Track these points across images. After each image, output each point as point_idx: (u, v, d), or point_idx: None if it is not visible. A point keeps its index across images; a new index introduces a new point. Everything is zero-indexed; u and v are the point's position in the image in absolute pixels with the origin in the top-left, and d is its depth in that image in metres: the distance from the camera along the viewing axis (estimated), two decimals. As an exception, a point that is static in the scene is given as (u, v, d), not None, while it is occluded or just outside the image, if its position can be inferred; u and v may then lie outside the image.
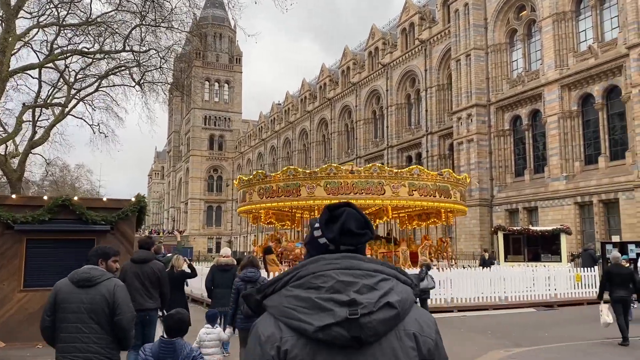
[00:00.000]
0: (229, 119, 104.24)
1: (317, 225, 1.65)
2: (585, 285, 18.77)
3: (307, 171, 21.49)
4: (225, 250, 10.63)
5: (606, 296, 11.39)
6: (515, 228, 24.03)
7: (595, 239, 29.73)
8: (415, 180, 19.75)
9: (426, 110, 48.48)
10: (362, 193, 19.54)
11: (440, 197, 20.21)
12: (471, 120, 39.32)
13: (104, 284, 4.29)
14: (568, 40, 33.47)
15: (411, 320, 1.49)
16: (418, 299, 12.61)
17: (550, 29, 33.93)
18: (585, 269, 19.17)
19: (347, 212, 1.62)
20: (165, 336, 4.88)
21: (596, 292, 13.79)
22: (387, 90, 54.90)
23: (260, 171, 23.36)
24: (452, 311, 16.46)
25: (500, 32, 38.82)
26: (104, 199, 11.78)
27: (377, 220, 25.55)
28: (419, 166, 22.09)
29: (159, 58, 39.02)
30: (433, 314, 10.09)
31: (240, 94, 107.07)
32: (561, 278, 18.77)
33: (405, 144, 51.67)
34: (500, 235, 23.26)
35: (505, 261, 22.86)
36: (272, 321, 1.48)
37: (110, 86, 41.84)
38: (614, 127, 31.21)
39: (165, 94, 39.10)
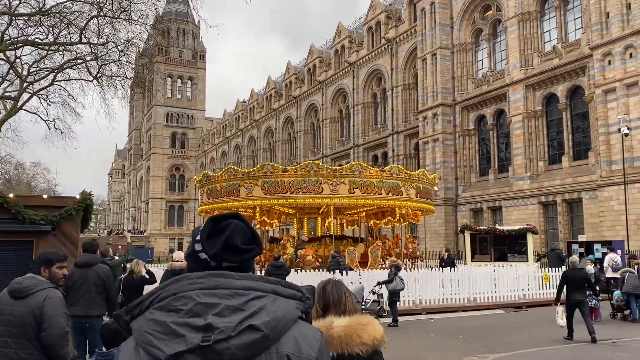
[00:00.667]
0: (192, 116, 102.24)
1: (198, 237, 1.52)
2: (553, 285, 18.56)
3: (245, 171, 20.92)
4: (178, 254, 9.78)
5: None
6: (482, 227, 23.83)
7: (559, 238, 29.92)
8: (357, 177, 19.28)
9: (392, 110, 48.24)
10: (299, 192, 19.20)
11: (388, 194, 19.71)
12: (437, 119, 39.21)
13: (34, 295, 4.00)
14: (533, 40, 33.65)
15: (289, 340, 1.38)
16: (388, 301, 11.98)
17: (515, 29, 34.04)
18: (553, 269, 18.99)
19: (234, 225, 1.50)
20: (103, 349, 4.31)
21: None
22: (353, 89, 54.50)
23: (204, 172, 22.82)
24: (420, 313, 15.96)
25: (466, 31, 38.83)
26: (44, 196, 10.73)
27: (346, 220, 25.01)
28: (361, 163, 21.59)
29: (118, 51, 37.62)
30: (400, 317, 9.41)
31: (204, 91, 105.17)
32: (529, 278, 18.54)
33: (371, 143, 51.35)
34: (467, 234, 22.98)
35: (472, 261, 22.58)
36: (132, 346, 1.38)
37: (67, 80, 40.06)
38: (577, 127, 31.50)
39: (124, 89, 37.69)
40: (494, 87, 35.91)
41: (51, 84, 38.34)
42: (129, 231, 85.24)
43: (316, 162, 20.61)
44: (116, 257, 12.78)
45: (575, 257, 13.18)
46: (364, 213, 25.41)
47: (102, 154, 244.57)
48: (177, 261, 9.26)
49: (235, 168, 21.54)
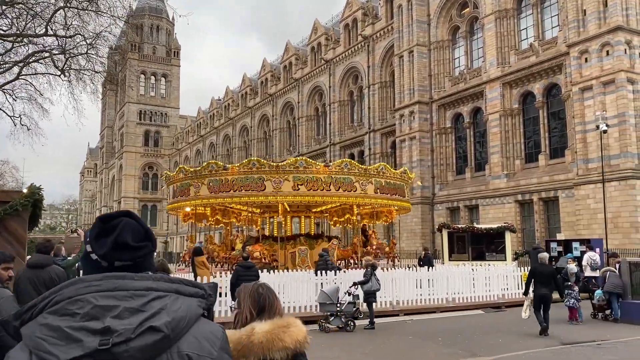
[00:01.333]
0: (166, 114, 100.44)
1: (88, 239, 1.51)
2: (532, 284, 18.18)
3: (193, 169, 20.61)
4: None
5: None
6: (460, 226, 23.37)
7: (536, 237, 29.73)
8: (301, 173, 18.67)
9: (369, 108, 47.77)
10: (242, 190, 18.65)
11: (338, 190, 19.06)
12: (413, 117, 38.83)
13: None
14: (510, 37, 33.47)
15: (189, 339, 1.36)
16: (364, 301, 11.36)
17: (492, 27, 33.82)
18: (532, 267, 18.60)
19: (124, 223, 1.49)
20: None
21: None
22: (330, 87, 53.87)
23: (181, 167, 22.13)
24: (397, 315, 15.36)
25: (443, 28, 38.53)
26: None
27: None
28: (307, 158, 20.92)
29: (86, 44, 36.33)
30: (377, 319, 8.62)
31: (178, 89, 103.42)
32: (508, 278, 18.13)
33: (347, 142, 50.80)
34: (445, 233, 22.50)
35: (449, 260, 22.12)
36: (25, 354, 1.31)
37: (33, 74, 38.67)
38: (554, 125, 31.39)
39: (94, 83, 36.45)
40: (471, 84, 35.65)
41: (16, 78, 36.94)
42: (82, 229, 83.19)
43: (258, 159, 20.02)
44: (69, 258, 11.88)
45: (544, 254, 13.44)
46: (326, 211, 24.88)
47: (74, 153, 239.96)
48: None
49: (186, 167, 20.96)
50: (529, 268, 18.45)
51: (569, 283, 14.12)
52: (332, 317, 12.71)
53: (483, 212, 33.42)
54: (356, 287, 13.53)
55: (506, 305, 17.15)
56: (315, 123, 58.37)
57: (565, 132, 30.27)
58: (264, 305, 2.37)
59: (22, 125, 38.01)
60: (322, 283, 14.78)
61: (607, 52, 26.57)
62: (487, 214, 32.83)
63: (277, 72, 66.34)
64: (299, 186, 18.72)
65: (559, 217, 29.13)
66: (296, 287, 14.91)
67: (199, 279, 13.81)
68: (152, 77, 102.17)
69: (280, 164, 19.72)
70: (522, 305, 17.03)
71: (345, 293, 13.38)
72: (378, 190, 20.36)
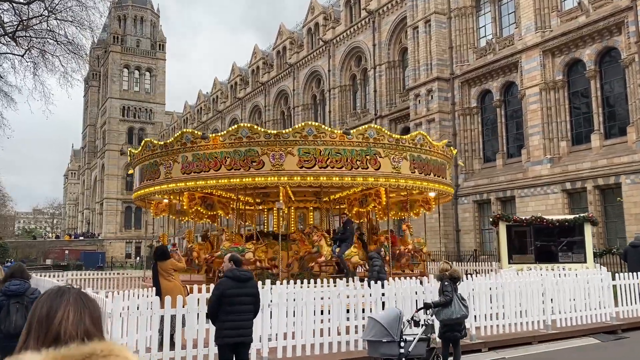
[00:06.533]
0: (151, 110, 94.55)
1: None
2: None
3: (162, 143, 15.66)
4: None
5: None
6: (523, 217, 17.78)
7: (605, 231, 24.32)
8: (310, 145, 13.71)
9: (375, 91, 42.27)
10: (230, 169, 13.92)
11: (358, 169, 14.00)
12: (431, 97, 33.36)
13: None
14: (551, -4, 28.08)
15: None
16: (440, 336, 5.86)
17: (528, -15, 28.44)
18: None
19: None
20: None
21: None
22: (329, 71, 48.32)
23: (146, 139, 16.37)
24: (479, 350, 9.78)
25: (466, -7, 33.12)
26: None
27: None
28: (317, 124, 15.30)
29: (45, 7, 30.69)
30: None
31: (164, 84, 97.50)
32: (603, 288, 12.57)
33: (350, 131, 45.19)
34: (503, 227, 16.96)
35: (509, 263, 16.60)
36: None
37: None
38: (609, 97, 26.02)
39: (63, 65, 30.84)
40: (501, 55, 30.21)
41: None
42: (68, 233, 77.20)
43: (251, 125, 14.41)
44: None
45: None
46: (341, 199, 19.34)
47: (60, 154, 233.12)
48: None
49: (154, 141, 15.32)
50: (625, 273, 12.99)
51: None
52: (394, 367, 7.16)
53: (521, 204, 27.96)
54: (427, 311, 7.96)
55: (623, 327, 11.64)
56: (312, 112, 52.78)
57: (625, 105, 24.91)
58: (31, 323, 1.49)
59: (-17, 115, 32.61)
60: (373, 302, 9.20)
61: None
62: (526, 207, 27.34)
63: (270, 59, 60.74)
64: (306, 163, 13.35)
65: (622, 207, 23.72)
66: (329, 308, 9.28)
67: (166, 301, 8.22)
68: (136, 71, 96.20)
69: (281, 132, 14.18)
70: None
71: (407, 322, 7.78)
72: (416, 168, 14.91)
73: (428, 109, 33.37)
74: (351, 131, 14.31)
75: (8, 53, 32.07)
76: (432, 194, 17.33)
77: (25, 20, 28.40)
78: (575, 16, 26.68)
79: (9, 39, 30.33)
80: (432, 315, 7.88)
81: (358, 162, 13.69)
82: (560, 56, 27.47)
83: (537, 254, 16.77)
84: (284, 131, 14.39)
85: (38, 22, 30.06)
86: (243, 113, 64.49)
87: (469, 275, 12.63)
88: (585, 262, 15.99)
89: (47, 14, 28.80)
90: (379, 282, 9.66)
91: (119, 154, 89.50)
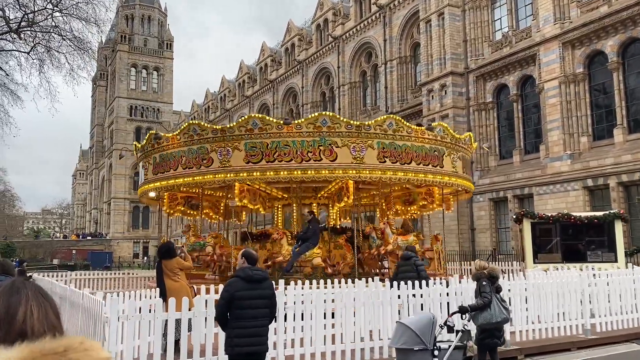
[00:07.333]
0: (158, 109, 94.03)
1: None
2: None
3: (218, 127, 14.24)
4: None
5: None
6: (550, 214, 16.81)
7: (630, 229, 23.31)
8: (386, 139, 13.01)
9: (386, 88, 41.38)
10: (303, 160, 13.13)
11: (428, 166, 13.60)
12: (445, 92, 32.41)
13: None
14: (570, -13, 27.06)
15: None
16: (477, 343, 5.15)
17: (547, -25, 27.43)
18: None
19: None
20: None
21: None
22: (338, 68, 47.44)
23: (151, 132, 15.69)
24: (515, 358, 8.88)
25: (481, -16, 32.13)
26: None
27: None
28: (396, 117, 14.52)
29: (52, 7, 30.25)
30: None
31: (172, 83, 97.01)
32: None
33: (360, 128, 44.33)
34: (527, 224, 16.02)
35: (534, 262, 15.67)
36: None
37: (-2, 52, 32.65)
38: (634, 90, 24.97)
39: (69, 62, 30.28)
40: (518, 48, 29.21)
41: None
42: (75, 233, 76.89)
43: (329, 113, 13.63)
44: None
45: None
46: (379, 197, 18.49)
47: (65, 154, 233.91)
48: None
49: (202, 124, 14.43)
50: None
51: None
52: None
53: (539, 202, 26.94)
54: (464, 316, 7.09)
55: (666, 333, 10.69)
56: (321, 109, 51.81)
57: (650, 98, 23.90)
58: (1, 319, 1.42)
59: (-10, 113, 32.16)
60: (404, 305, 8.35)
61: None
62: (545, 205, 26.33)
63: (278, 56, 59.97)
64: (385, 158, 13.08)
65: (649, 205, 22.72)
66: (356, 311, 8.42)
67: (170, 303, 7.43)
68: (144, 71, 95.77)
69: (362, 123, 13.53)
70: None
71: (440, 327, 6.91)
72: (386, 157, 14.06)
73: (442, 104, 32.43)
74: (299, 121, 13.46)
75: (14, 50, 31.53)
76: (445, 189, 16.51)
77: (29, 13, 27.78)
78: (597, 6, 25.66)
79: (15, 36, 29.80)
80: (469, 320, 7.00)
81: (309, 154, 12.79)
82: (580, 48, 26.45)
83: (564, 253, 15.83)
84: (228, 126, 13.81)
85: (43, 18, 29.50)
86: (251, 111, 63.70)
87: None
88: (616, 261, 15.04)
89: (51, 8, 28.19)
90: (405, 283, 8.77)
91: (128, 153, 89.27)
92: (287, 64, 56.81)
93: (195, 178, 13.44)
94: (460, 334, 6.84)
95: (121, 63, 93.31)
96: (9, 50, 31.91)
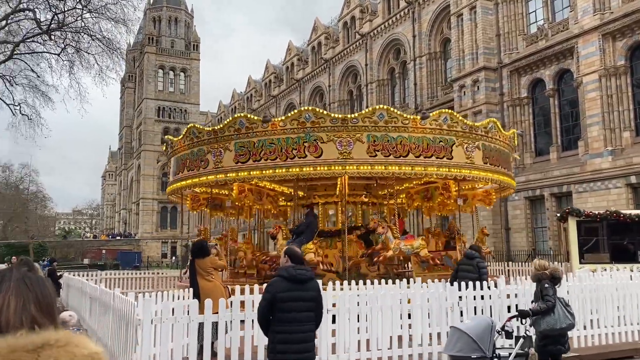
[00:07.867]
0: (186, 110, 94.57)
1: None
2: None
3: (211, 129, 13.98)
4: None
5: None
6: (597, 212, 15.95)
7: None
8: (378, 131, 12.29)
9: (415, 84, 40.62)
10: (289, 158, 12.59)
11: (431, 158, 12.72)
12: (478, 87, 31.54)
13: None
14: (611, -24, 25.97)
15: None
16: (538, 350, 4.56)
17: (585, -36, 26.38)
18: None
19: None
20: None
21: None
22: (366, 65, 46.82)
23: (168, 137, 15.35)
24: (573, 366, 8.21)
25: (514, -24, 31.15)
26: None
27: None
28: (388, 107, 13.84)
29: (81, 9, 30.44)
30: None
31: (198, 84, 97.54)
32: None
33: (389, 126, 43.63)
34: (573, 223, 15.22)
35: (580, 262, 14.85)
36: None
37: (30, 53, 33.02)
38: (680, 83, 23.84)
39: (98, 63, 30.49)
40: (554, 41, 28.19)
41: (9, 58, 31.40)
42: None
43: (314, 108, 13.02)
44: None
45: None
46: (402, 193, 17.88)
47: (94, 155, 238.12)
48: None
49: (200, 127, 14.11)
50: None
51: None
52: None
53: (578, 200, 25.91)
54: (524, 321, 6.47)
55: None
56: (349, 108, 51.30)
57: (699, 90, 22.72)
58: None
59: (23, 114, 32.68)
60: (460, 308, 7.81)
61: None
62: (585, 203, 25.25)
63: (305, 55, 59.64)
64: (376, 151, 12.15)
65: (698, 203, 21.58)
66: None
67: (207, 305, 6.99)
68: (171, 72, 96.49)
69: (347, 116, 12.87)
70: None
71: (498, 332, 6.31)
72: (487, 159, 13.49)
73: (474, 100, 31.57)
74: (282, 117, 12.98)
75: (45, 52, 31.82)
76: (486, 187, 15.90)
77: (59, 14, 27.93)
78: (639, -5, 24.55)
79: (45, 38, 30.07)
80: (530, 325, 6.39)
81: (294, 152, 12.19)
82: (622, 39, 25.35)
83: (613, 253, 15.00)
84: (219, 126, 13.38)
85: (73, 19, 29.67)
86: (277, 111, 63.51)
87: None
88: (669, 262, 14.17)
89: (80, 8, 28.31)
90: (465, 284, 8.19)
91: (156, 154, 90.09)
92: (314, 63, 56.42)
93: (193, 180, 13.65)
94: (522, 340, 6.25)
95: (149, 64, 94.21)
96: (40, 52, 32.25)
